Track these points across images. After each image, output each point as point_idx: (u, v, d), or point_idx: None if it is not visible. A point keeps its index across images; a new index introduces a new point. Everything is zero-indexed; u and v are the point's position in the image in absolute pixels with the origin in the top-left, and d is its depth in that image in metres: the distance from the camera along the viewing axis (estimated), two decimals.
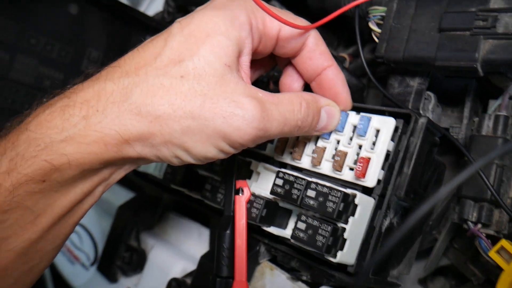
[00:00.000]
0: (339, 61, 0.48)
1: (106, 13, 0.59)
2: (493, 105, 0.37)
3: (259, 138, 0.31)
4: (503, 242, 0.30)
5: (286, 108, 0.32)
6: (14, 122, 0.31)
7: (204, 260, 0.44)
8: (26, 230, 0.29)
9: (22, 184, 0.28)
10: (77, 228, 0.64)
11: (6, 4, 0.51)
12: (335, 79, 0.36)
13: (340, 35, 0.67)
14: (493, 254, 0.31)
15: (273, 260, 0.43)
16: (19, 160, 0.28)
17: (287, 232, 0.39)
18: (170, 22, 0.62)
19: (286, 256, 0.41)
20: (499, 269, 0.31)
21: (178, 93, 0.29)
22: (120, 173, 0.33)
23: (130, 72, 0.30)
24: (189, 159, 0.31)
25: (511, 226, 0.36)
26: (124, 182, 0.62)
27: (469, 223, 0.36)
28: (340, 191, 0.34)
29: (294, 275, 0.41)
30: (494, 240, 0.35)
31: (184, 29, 0.31)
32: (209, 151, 0.30)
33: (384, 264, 0.36)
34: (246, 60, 0.33)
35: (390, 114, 0.36)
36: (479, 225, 0.35)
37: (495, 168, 0.35)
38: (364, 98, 0.54)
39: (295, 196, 0.36)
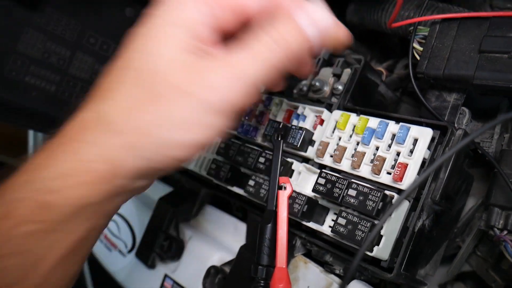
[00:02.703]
0: (378, 75, 0.51)
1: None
2: None
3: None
4: None
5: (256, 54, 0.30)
6: (8, 170, 0.29)
7: (243, 250, 0.48)
8: (29, 275, 0.28)
9: (18, 226, 0.27)
10: (115, 217, 0.68)
11: (71, 6, 0.56)
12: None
13: (374, 49, 0.71)
14: None
15: (307, 255, 0.47)
16: (14, 202, 0.27)
17: (324, 228, 0.43)
18: None
19: (321, 250, 0.45)
20: None
21: (147, 101, 0.28)
22: (120, 201, 0.31)
23: (102, 96, 0.30)
24: (181, 153, 0.29)
25: None
26: (163, 177, 0.66)
27: (496, 229, 0.39)
28: (380, 191, 0.37)
29: (328, 268, 0.44)
30: None
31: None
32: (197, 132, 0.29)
33: (414, 261, 0.39)
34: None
35: (427, 125, 0.40)
36: (505, 232, 0.38)
37: None
38: (397, 111, 0.57)
39: (336, 194, 0.39)
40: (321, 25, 0.32)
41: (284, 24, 0.31)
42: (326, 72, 0.53)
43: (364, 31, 0.64)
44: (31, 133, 0.98)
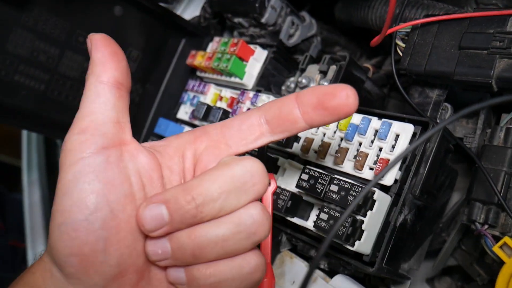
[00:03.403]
0: (364, 71, 0.52)
1: (146, 15, 0.63)
2: (505, 118, 0.40)
3: None
4: (506, 239, 0.34)
5: None
6: None
7: None
8: None
9: None
10: None
11: (60, 5, 0.56)
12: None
13: (363, 46, 0.71)
14: (496, 249, 0.34)
15: (293, 250, 0.47)
16: None
17: (308, 223, 0.43)
18: (206, 27, 0.66)
19: (306, 245, 0.45)
20: (502, 265, 0.35)
21: None
22: None
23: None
24: None
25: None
26: None
27: (477, 224, 0.39)
28: (361, 186, 0.37)
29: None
30: (498, 240, 0.38)
31: None
32: None
33: (396, 255, 0.40)
34: None
35: (409, 121, 0.40)
36: (486, 226, 0.39)
37: (504, 175, 0.38)
38: (384, 107, 0.57)
39: (319, 190, 0.40)
40: None
41: None
42: (313, 69, 0.53)
43: (353, 28, 0.64)
44: (24, 135, 0.98)
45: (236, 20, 0.61)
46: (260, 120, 0.32)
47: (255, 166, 0.30)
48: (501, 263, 0.34)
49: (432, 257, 0.51)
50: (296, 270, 0.45)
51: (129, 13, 0.62)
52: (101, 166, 0.29)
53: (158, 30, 0.65)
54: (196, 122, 0.59)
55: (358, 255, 0.39)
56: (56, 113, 0.59)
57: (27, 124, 0.58)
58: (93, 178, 0.28)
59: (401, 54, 0.43)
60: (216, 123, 0.34)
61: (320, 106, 0.30)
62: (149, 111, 0.66)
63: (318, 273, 0.43)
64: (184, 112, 0.61)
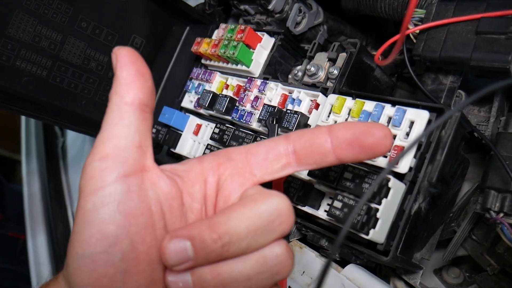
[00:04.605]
0: (373, 59, 0.51)
1: (150, 1, 0.62)
2: None
3: None
4: None
5: None
6: None
7: None
8: None
9: None
10: None
11: None
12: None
13: (369, 34, 0.70)
14: None
15: (303, 240, 0.46)
16: None
17: (319, 212, 0.42)
18: (211, 14, 0.65)
19: (316, 235, 0.44)
20: None
21: None
22: None
23: None
24: None
25: None
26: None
27: (492, 212, 0.39)
28: (376, 174, 0.37)
29: (324, 253, 0.44)
30: None
31: None
32: None
33: (410, 244, 0.39)
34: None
35: (423, 107, 0.39)
36: (502, 214, 0.38)
37: None
38: (393, 96, 0.57)
39: (332, 178, 0.39)
40: None
41: None
42: (321, 57, 0.52)
43: (359, 16, 0.63)
44: (23, 124, 0.97)
45: (242, 7, 0.60)
46: (288, 150, 0.31)
47: (282, 204, 0.29)
48: None
49: (441, 247, 0.50)
50: (306, 260, 0.45)
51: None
52: (122, 196, 0.28)
53: (162, 16, 0.64)
54: (201, 111, 0.58)
55: (371, 244, 0.38)
56: (58, 100, 0.58)
57: (28, 110, 0.57)
58: (113, 209, 0.27)
59: (414, 40, 0.42)
60: (240, 148, 0.33)
61: (356, 143, 0.29)
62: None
63: None
64: (188, 101, 0.60)
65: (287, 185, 0.42)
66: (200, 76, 0.60)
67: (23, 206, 0.81)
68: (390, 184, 0.37)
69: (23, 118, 0.97)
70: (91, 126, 0.61)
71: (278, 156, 0.31)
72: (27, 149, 0.88)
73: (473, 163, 0.48)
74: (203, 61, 0.60)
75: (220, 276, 0.28)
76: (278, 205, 0.29)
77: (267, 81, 0.52)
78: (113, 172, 0.28)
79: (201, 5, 0.65)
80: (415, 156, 0.38)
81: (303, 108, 0.47)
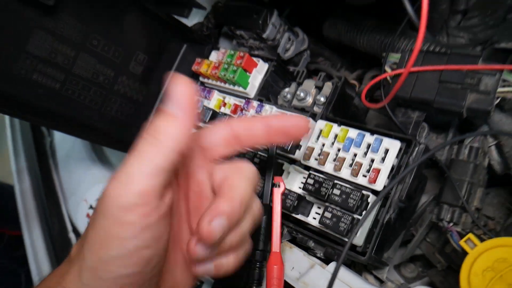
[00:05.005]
0: (353, 88, 0.60)
1: (153, 21, 0.68)
2: (469, 138, 0.50)
3: None
4: (470, 235, 0.43)
5: None
6: None
7: None
8: None
9: None
10: None
11: (79, 10, 0.60)
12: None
13: (345, 57, 0.80)
14: (462, 243, 0.44)
15: (292, 241, 0.55)
16: None
17: (309, 219, 0.51)
18: (208, 35, 0.72)
19: (304, 237, 0.53)
20: (463, 255, 0.45)
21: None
22: None
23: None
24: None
25: (473, 226, 0.50)
26: None
27: (444, 222, 0.49)
28: (359, 191, 0.46)
29: (311, 252, 0.53)
30: (460, 235, 0.48)
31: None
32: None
33: (381, 246, 0.49)
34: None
35: (396, 137, 0.49)
36: (451, 224, 0.49)
37: (467, 184, 0.49)
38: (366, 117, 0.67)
39: (323, 193, 0.48)
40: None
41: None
42: (309, 83, 0.61)
43: (338, 44, 0.73)
44: (7, 118, 0.99)
45: (238, 32, 0.67)
46: (230, 134, 0.41)
47: (254, 167, 0.41)
48: (465, 253, 0.44)
49: (401, 247, 0.61)
50: (295, 258, 0.54)
51: (138, 19, 0.67)
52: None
53: (163, 34, 0.70)
54: (200, 124, 0.65)
55: (352, 246, 0.48)
56: (69, 110, 0.63)
57: (43, 120, 0.62)
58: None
59: (390, 81, 0.52)
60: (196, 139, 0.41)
61: (284, 131, 0.41)
62: (151, 111, 0.72)
63: (315, 260, 0.52)
64: None
65: (285, 197, 0.51)
66: (199, 93, 0.67)
67: (16, 203, 0.84)
68: (369, 200, 0.47)
69: (6, 117, 0.99)
70: (95, 133, 0.67)
71: (224, 141, 0.40)
72: (14, 146, 0.91)
73: (430, 178, 0.59)
74: (201, 79, 0.67)
75: (240, 232, 0.38)
76: (254, 169, 0.40)
77: (263, 103, 0.60)
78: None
79: (198, 25, 0.71)
80: (388, 177, 0.48)
81: None
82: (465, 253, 0.44)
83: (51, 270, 0.76)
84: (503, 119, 0.49)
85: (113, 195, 0.32)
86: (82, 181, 0.81)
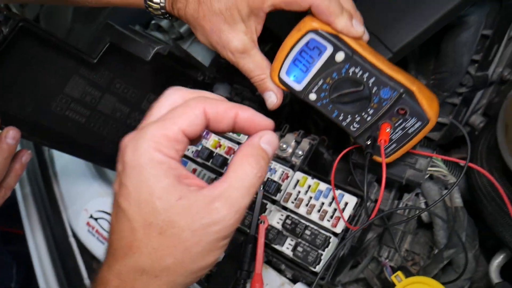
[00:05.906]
0: (324, 145, 0.77)
1: (168, 72, 0.81)
2: (405, 197, 0.68)
3: (244, 211, 0.37)
4: (398, 273, 0.61)
5: (241, 182, 0.36)
6: None
7: (227, 259, 0.71)
8: None
9: None
10: (107, 216, 0.86)
11: (116, 66, 0.72)
12: (249, 115, 0.41)
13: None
14: (393, 277, 0.62)
15: (268, 263, 0.71)
16: None
17: (284, 249, 0.67)
18: (209, 84, 0.86)
19: (278, 261, 0.69)
20: (393, 285, 0.62)
21: (166, 247, 0.35)
22: None
23: (128, 252, 0.35)
24: (202, 273, 0.37)
25: (401, 263, 0.68)
26: None
27: (383, 258, 0.67)
28: (324, 235, 0.63)
29: (282, 273, 0.69)
30: (393, 269, 0.66)
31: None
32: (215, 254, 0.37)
33: (336, 273, 0.66)
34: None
35: (354, 194, 0.66)
36: (387, 260, 0.67)
37: (400, 233, 0.67)
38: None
39: (298, 232, 0.64)
40: (274, 146, 0.42)
41: (258, 155, 0.39)
42: (290, 137, 0.77)
43: None
44: None
45: (239, 86, 0.82)
46: (204, 118, 0.41)
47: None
48: (394, 285, 0.62)
49: (350, 270, 0.78)
50: (270, 277, 0.69)
51: (153, 68, 0.79)
52: None
53: (172, 81, 0.83)
54: (199, 160, 0.80)
55: (315, 272, 0.64)
56: (91, 141, 0.75)
57: (67, 148, 0.73)
58: None
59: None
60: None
61: (251, 123, 0.42)
62: None
63: (285, 280, 0.68)
64: (190, 151, 0.81)
65: (267, 232, 0.66)
66: None
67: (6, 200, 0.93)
68: (331, 240, 0.63)
69: None
70: (109, 159, 0.79)
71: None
72: None
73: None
74: None
75: None
76: None
77: None
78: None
79: (202, 77, 0.85)
80: (347, 221, 0.65)
81: (277, 177, 0.72)
82: (394, 285, 0.61)
83: (53, 270, 0.87)
84: (431, 185, 0.67)
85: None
86: (82, 192, 0.93)
